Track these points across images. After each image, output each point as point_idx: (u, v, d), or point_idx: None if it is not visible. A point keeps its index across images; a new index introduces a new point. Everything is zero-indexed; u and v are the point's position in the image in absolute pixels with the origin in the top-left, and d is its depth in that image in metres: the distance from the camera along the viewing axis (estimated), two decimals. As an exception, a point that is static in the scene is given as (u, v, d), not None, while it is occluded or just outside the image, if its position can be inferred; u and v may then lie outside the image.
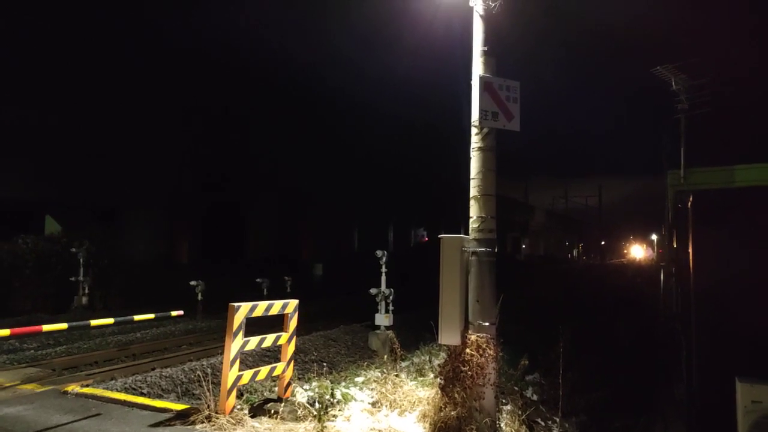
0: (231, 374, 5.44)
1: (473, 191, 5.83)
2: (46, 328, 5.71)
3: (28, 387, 7.12)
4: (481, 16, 5.96)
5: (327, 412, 5.70)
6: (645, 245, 70.46)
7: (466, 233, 5.98)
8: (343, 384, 6.93)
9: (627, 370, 9.52)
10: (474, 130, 5.88)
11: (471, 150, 5.91)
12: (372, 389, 6.65)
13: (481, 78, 5.79)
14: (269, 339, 6.06)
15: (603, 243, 74.01)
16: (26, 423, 5.40)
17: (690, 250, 7.30)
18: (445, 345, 5.83)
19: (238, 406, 5.72)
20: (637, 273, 38.75)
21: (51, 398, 6.33)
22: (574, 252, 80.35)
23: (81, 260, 16.01)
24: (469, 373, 5.39)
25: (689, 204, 7.48)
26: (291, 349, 6.30)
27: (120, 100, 22.25)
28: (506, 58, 6.29)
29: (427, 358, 8.34)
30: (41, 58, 20.16)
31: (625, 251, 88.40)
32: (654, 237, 47.96)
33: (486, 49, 5.92)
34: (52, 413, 5.71)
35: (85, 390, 6.55)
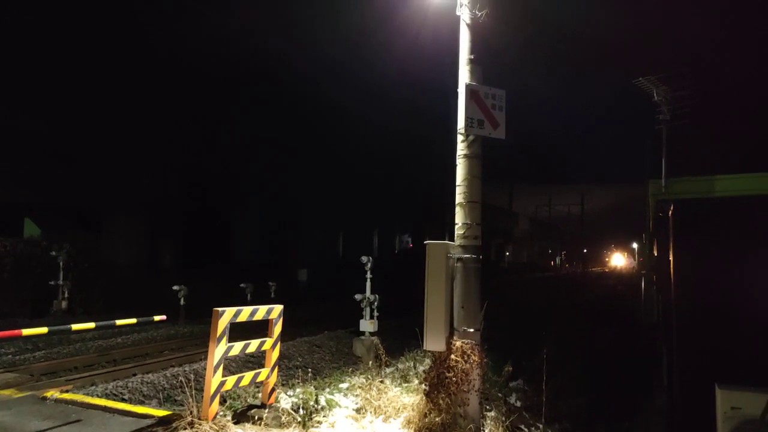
0: (214, 380, 5.39)
1: (459, 198, 5.86)
2: (25, 332, 5.61)
3: (6, 393, 6.97)
4: (467, 24, 6.03)
5: (311, 419, 5.68)
6: (626, 254, 71.26)
7: (451, 240, 6.02)
8: (328, 390, 6.91)
9: (610, 377, 9.62)
10: (460, 138, 5.92)
11: (457, 157, 5.95)
12: (356, 395, 6.64)
13: (467, 86, 5.85)
14: (253, 344, 6.02)
15: (585, 251, 74.69)
16: (3, 429, 5.30)
17: (671, 259, 7.42)
18: (430, 351, 5.85)
19: (222, 413, 5.67)
20: (618, 281, 39.20)
21: (29, 404, 6.21)
22: (557, 260, 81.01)
23: (61, 264, 15.75)
24: (454, 379, 5.41)
25: (670, 213, 7.60)
26: (275, 354, 6.25)
27: (104, 104, 22.04)
28: (492, 67, 6.37)
29: (412, 365, 8.34)
30: (25, 61, 19.90)
31: (607, 259, 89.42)
32: (635, 245, 48.57)
33: (472, 57, 5.98)
34: (30, 419, 5.60)
35: (65, 396, 6.44)
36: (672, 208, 7.34)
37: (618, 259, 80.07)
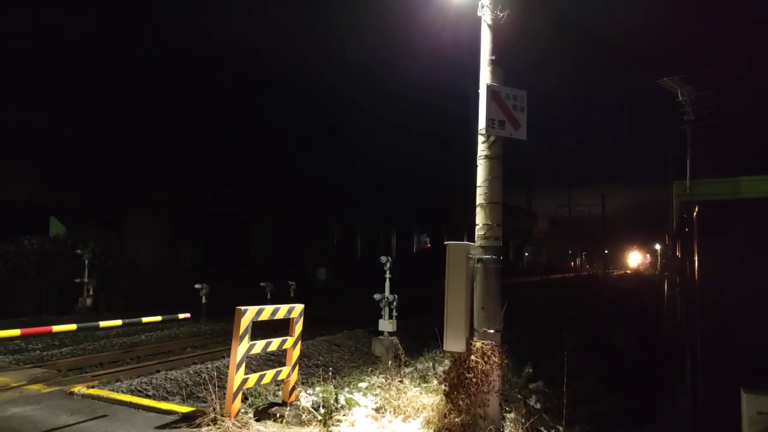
0: (237, 377, 5.47)
1: (479, 199, 5.86)
2: (55, 328, 5.75)
3: (35, 387, 7.16)
4: (489, 25, 6.02)
5: (331, 417, 5.72)
6: (644, 253, 68.49)
7: (470, 240, 6.01)
8: (347, 389, 6.95)
9: (631, 380, 9.51)
10: (481, 139, 5.92)
11: (477, 158, 5.94)
12: (376, 395, 6.67)
13: (489, 87, 5.84)
14: (275, 343, 6.09)
15: (606, 251, 73.57)
16: (33, 423, 5.44)
17: (695, 260, 7.30)
18: (449, 352, 5.84)
19: (243, 410, 5.75)
20: (640, 283, 38.60)
21: (57, 399, 6.37)
22: (577, 260, 79.92)
23: (86, 262, 16.06)
24: (474, 380, 5.41)
25: (694, 214, 7.48)
26: (296, 353, 6.32)
27: (125, 106, 22.43)
28: (513, 68, 6.35)
29: (431, 365, 8.35)
30: (48, 64, 20.34)
31: (626, 258, 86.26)
32: (658, 246, 47.75)
33: (493, 58, 5.97)
34: (59, 414, 5.75)
35: (91, 391, 6.59)
36: (697, 209, 7.23)
37: (636, 258, 74.94)
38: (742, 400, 4.84)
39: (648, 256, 67.80)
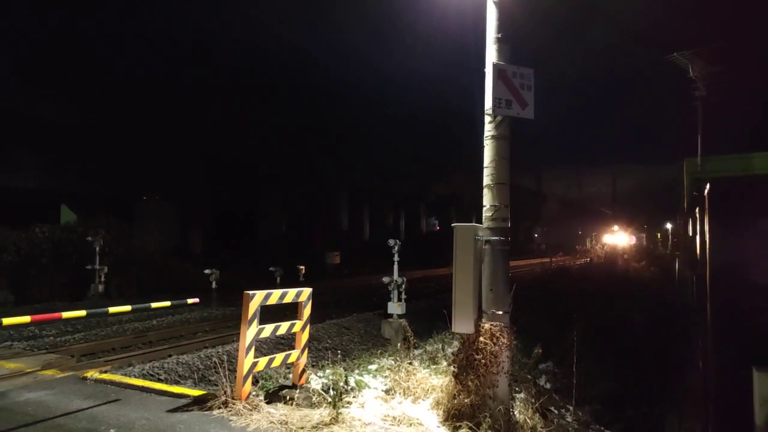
0: (247, 361, 5.51)
1: (486, 180, 5.79)
2: (65, 315, 5.80)
3: (49, 373, 7.26)
4: (494, 2, 5.89)
5: (341, 399, 5.75)
6: (628, 229, 56.95)
7: (478, 222, 5.96)
8: (357, 372, 6.98)
9: (641, 360, 9.49)
10: (487, 118, 5.83)
11: (484, 138, 5.86)
12: (385, 377, 6.70)
13: (495, 65, 5.73)
14: (284, 327, 6.12)
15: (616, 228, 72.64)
16: (48, 408, 5.52)
17: (706, 239, 7.22)
18: (458, 333, 5.83)
19: (254, 393, 5.79)
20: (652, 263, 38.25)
21: (71, 384, 6.45)
22: (587, 242, 79.17)
23: (97, 249, 16.20)
24: (483, 361, 5.40)
25: (706, 191, 7.38)
26: (305, 336, 6.35)
27: (134, 95, 22.43)
28: (520, 46, 6.23)
29: (440, 347, 8.36)
30: (61, 55, 20.33)
31: (595, 233, 69.89)
32: (669, 225, 47.14)
33: (500, 36, 5.85)
34: (72, 398, 5.82)
35: (104, 376, 6.66)
36: (708, 186, 7.12)
37: (618, 237, 54.23)
38: (753, 378, 4.80)
39: (630, 230, 57.04)
